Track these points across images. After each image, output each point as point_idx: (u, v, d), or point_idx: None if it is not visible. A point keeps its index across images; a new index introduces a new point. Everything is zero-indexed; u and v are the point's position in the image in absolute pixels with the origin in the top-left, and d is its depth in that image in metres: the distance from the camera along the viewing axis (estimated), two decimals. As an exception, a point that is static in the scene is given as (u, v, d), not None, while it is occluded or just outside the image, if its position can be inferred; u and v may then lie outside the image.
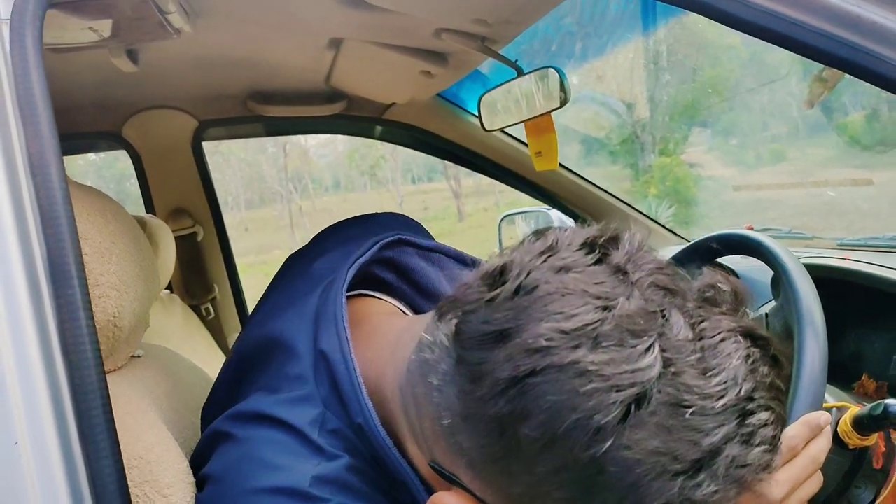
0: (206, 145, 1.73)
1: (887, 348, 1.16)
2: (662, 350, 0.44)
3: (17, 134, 0.55)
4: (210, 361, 1.41)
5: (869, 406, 0.86)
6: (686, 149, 8.58)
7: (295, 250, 0.83)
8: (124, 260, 0.76)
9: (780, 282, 0.95)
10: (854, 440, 0.91)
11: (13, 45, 0.56)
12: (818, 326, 0.87)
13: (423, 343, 0.54)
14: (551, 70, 1.28)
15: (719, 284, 0.50)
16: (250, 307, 1.65)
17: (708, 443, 0.43)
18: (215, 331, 1.73)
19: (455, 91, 1.75)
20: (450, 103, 1.75)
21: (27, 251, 0.53)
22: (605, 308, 0.44)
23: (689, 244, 1.14)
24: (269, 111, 1.62)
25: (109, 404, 0.54)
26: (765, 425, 0.46)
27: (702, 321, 0.46)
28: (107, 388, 0.54)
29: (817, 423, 0.77)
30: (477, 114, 1.55)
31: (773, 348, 0.48)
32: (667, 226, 2.00)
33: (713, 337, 0.45)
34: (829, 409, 0.85)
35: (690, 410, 0.43)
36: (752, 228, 1.44)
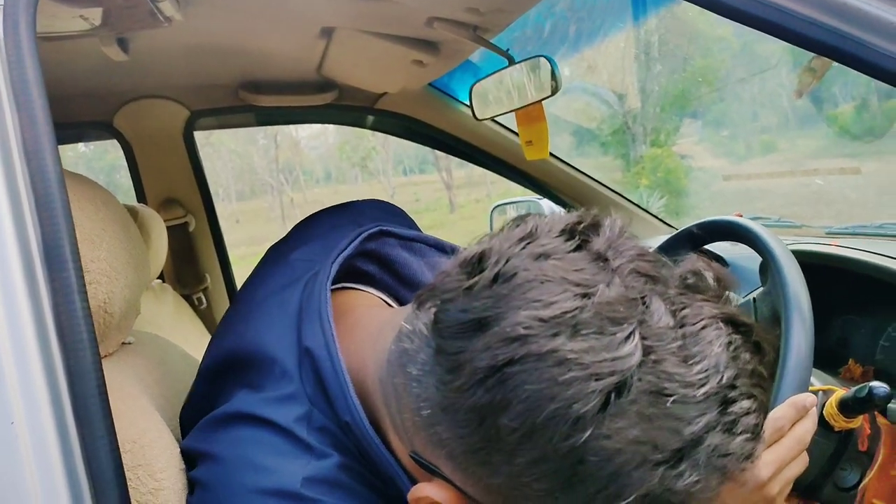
0: (197, 136, 1.73)
1: (873, 334, 1.17)
2: (643, 338, 0.43)
3: (11, 120, 0.55)
4: (201, 350, 1.40)
5: (854, 389, 0.88)
6: (677, 140, 8.59)
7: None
8: (114, 247, 0.76)
9: (767, 266, 0.96)
10: (840, 423, 0.92)
11: (6, 31, 0.56)
12: (805, 310, 0.88)
13: (403, 333, 0.53)
14: (542, 59, 1.28)
15: (702, 271, 0.49)
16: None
17: (689, 432, 0.43)
18: (207, 320, 1.73)
19: (446, 81, 1.75)
20: (441, 93, 1.75)
21: (22, 235, 0.54)
22: (585, 295, 0.44)
23: (677, 231, 1.15)
24: (260, 101, 1.62)
25: (104, 386, 0.55)
26: (747, 413, 0.45)
27: (683, 308, 0.45)
28: (101, 370, 0.55)
29: (803, 404, 0.78)
30: (468, 103, 1.55)
31: (755, 335, 0.47)
32: (658, 216, 2.01)
33: (695, 324, 0.45)
34: (815, 393, 0.86)
35: (671, 399, 0.43)
36: (741, 216, 1.45)
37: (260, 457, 0.59)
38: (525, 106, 1.32)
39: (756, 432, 0.46)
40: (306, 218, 0.84)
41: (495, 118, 1.76)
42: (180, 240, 1.75)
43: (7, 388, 0.51)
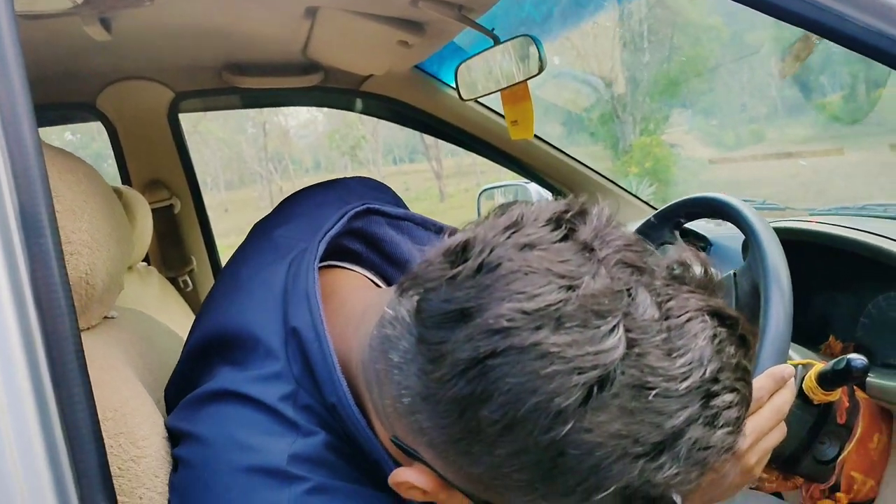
0: (185, 124, 1.72)
1: (853, 310, 1.18)
2: (627, 330, 0.43)
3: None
4: (187, 332, 1.40)
5: (832, 361, 0.89)
6: (667, 129, 8.61)
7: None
8: (96, 219, 0.76)
9: (748, 241, 0.96)
10: (819, 396, 0.93)
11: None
12: (784, 283, 0.89)
13: (385, 318, 0.53)
14: (527, 38, 1.28)
15: (689, 261, 0.49)
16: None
17: (670, 425, 0.43)
18: (193, 303, 1.73)
19: (436, 71, 1.75)
20: (428, 75, 1.75)
21: (-1, 202, 0.53)
22: (570, 287, 0.43)
23: (660, 209, 1.16)
24: (244, 83, 1.61)
25: (82, 352, 0.55)
26: (729, 407, 0.45)
27: (669, 300, 0.45)
28: (79, 335, 0.55)
29: (781, 375, 0.79)
30: (455, 86, 1.55)
31: (741, 328, 0.47)
32: (646, 200, 2.01)
33: (680, 316, 0.44)
34: (794, 367, 0.87)
35: (654, 392, 0.42)
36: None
37: (245, 435, 0.59)
38: (510, 86, 1.32)
39: (737, 425, 0.46)
40: (292, 194, 0.83)
41: (482, 101, 1.77)
42: (165, 222, 1.74)
43: (-18, 352, 0.51)
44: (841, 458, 1.04)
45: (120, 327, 0.85)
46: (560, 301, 0.43)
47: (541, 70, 1.25)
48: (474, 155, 1.94)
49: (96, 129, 1.72)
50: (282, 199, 0.83)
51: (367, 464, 0.60)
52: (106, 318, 0.85)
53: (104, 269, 0.76)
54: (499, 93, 1.39)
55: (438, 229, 0.76)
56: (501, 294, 0.44)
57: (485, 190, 2.18)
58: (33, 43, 1.23)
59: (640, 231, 1.19)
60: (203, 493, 0.60)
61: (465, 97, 1.46)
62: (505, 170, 1.96)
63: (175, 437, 0.67)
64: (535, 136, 1.84)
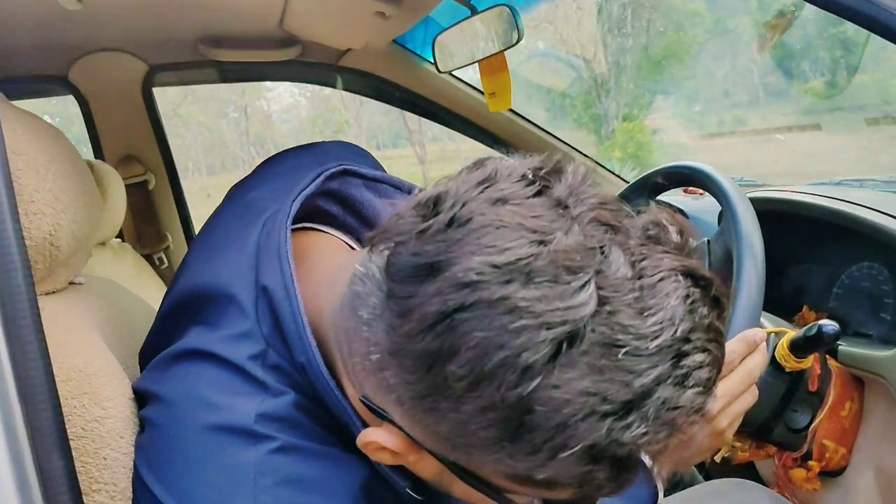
0: (165, 108, 1.70)
1: (827, 281, 1.19)
2: (599, 288, 0.42)
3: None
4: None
5: (804, 328, 0.89)
6: (650, 114, 8.63)
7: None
8: (62, 179, 0.74)
9: (721, 206, 0.97)
10: (791, 363, 0.93)
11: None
12: (756, 248, 0.89)
13: (356, 276, 0.52)
14: (504, 8, 1.27)
15: (665, 222, 0.48)
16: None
17: (639, 384, 0.42)
18: (168, 279, 1.70)
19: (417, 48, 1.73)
20: (407, 51, 1.73)
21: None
22: (541, 242, 0.43)
23: (636, 178, 1.16)
24: (220, 55, 1.58)
25: (37, 308, 0.53)
26: (700, 367, 0.44)
27: (643, 259, 0.45)
28: (34, 292, 0.53)
29: (753, 338, 0.79)
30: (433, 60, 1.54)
31: (715, 290, 0.46)
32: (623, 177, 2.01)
33: (653, 276, 0.44)
34: (766, 335, 0.87)
35: (623, 350, 0.42)
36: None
37: (211, 394, 0.58)
38: (488, 57, 1.31)
39: (708, 386, 0.45)
40: (268, 158, 0.82)
41: (462, 77, 1.76)
42: (140, 198, 1.72)
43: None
44: (813, 426, 1.05)
45: (87, 292, 0.83)
46: (531, 255, 0.42)
47: (518, 39, 1.24)
48: (458, 140, 1.93)
49: (77, 113, 1.69)
50: (259, 163, 0.82)
51: (337, 425, 0.59)
52: (73, 283, 0.84)
53: (69, 231, 0.75)
54: (476, 64, 1.38)
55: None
56: (472, 248, 0.43)
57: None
58: (1, 13, 1.21)
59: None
60: (168, 453, 0.59)
61: (442, 69, 1.45)
62: (489, 153, 1.95)
63: (143, 399, 0.66)
64: (516, 112, 1.84)
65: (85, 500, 0.56)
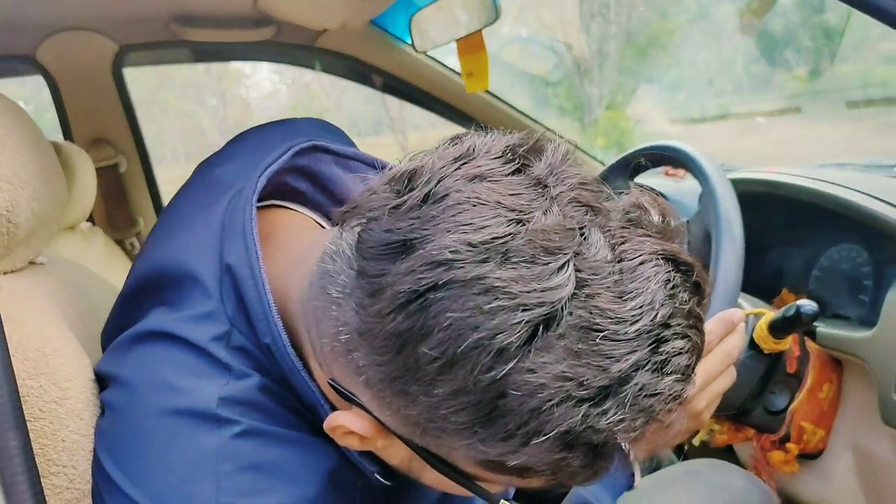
0: (142, 94, 1.66)
1: (806, 264, 1.19)
2: (577, 270, 0.41)
3: None
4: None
5: (783, 309, 0.88)
6: (633, 103, 8.64)
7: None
8: (20, 155, 0.72)
9: (701, 186, 0.96)
10: (769, 344, 0.93)
11: None
12: (735, 229, 0.89)
13: (326, 253, 0.51)
14: (482, -14, 1.25)
15: (647, 205, 0.47)
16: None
17: (617, 369, 0.41)
18: (142, 265, 1.68)
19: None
20: (384, 32, 1.70)
21: None
22: (519, 221, 0.41)
23: (617, 158, 1.15)
24: (193, 35, 1.54)
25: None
26: (679, 354, 0.43)
27: (623, 242, 0.43)
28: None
29: (731, 319, 0.78)
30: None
31: (696, 275, 0.45)
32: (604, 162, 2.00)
33: (633, 259, 0.43)
34: (745, 316, 0.87)
35: (601, 335, 0.41)
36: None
37: (172, 377, 0.56)
38: (465, 36, 1.29)
39: (687, 374, 0.44)
40: (238, 135, 0.79)
41: (441, 60, 1.73)
42: (111, 182, 1.67)
43: None
44: (791, 408, 1.05)
45: (49, 273, 0.81)
46: (508, 235, 0.41)
47: (496, 18, 1.22)
48: (440, 127, 1.91)
49: (49, 100, 1.65)
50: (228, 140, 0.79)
51: (304, 409, 0.58)
52: (34, 263, 0.81)
53: (28, 208, 0.72)
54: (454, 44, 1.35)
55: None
56: (447, 225, 0.42)
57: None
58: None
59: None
60: (127, 438, 0.57)
61: (419, 49, 1.43)
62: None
63: (103, 382, 0.64)
64: (497, 96, 1.82)
65: (42, 483, 0.54)
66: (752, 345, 0.95)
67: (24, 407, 0.52)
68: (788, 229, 1.22)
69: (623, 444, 0.80)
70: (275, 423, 0.56)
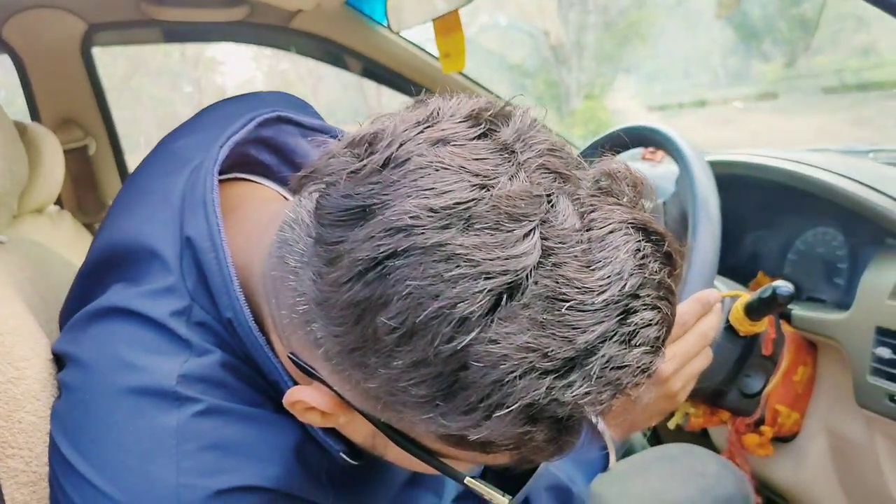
0: (115, 81, 1.62)
1: (782, 247, 1.19)
2: (544, 238, 0.39)
3: None
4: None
5: (759, 290, 0.88)
6: (610, 93, 8.66)
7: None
8: (-27, 130, 0.69)
9: (678, 167, 0.95)
10: (745, 326, 0.93)
11: None
12: (712, 208, 0.88)
13: (285, 221, 0.49)
14: (458, -36, 1.22)
15: (617, 174, 0.45)
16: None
17: (583, 340, 0.39)
18: (112, 249, 1.64)
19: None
20: (360, 13, 1.68)
21: None
22: (483, 187, 0.40)
23: (594, 139, 1.14)
24: (163, 14, 1.51)
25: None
26: (648, 325, 0.41)
27: (592, 210, 0.41)
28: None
29: (707, 300, 0.78)
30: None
31: (667, 245, 0.43)
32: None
33: (602, 228, 0.41)
34: (722, 299, 0.86)
35: (567, 305, 0.39)
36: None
37: (130, 354, 0.54)
38: (442, 16, 1.27)
39: (656, 346, 0.42)
40: (202, 109, 0.76)
41: (417, 43, 1.71)
42: (80, 164, 1.64)
43: None
44: (766, 391, 1.05)
45: (8, 251, 0.78)
46: (471, 200, 0.39)
47: (471, -1, 1.20)
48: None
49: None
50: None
51: (267, 386, 0.56)
52: (-9, 242, 0.78)
53: (-17, 185, 0.69)
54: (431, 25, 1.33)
55: None
56: (407, 190, 0.40)
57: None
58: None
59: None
60: (84, 418, 0.54)
61: (394, 29, 1.40)
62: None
63: (61, 362, 0.61)
64: (474, 80, 1.80)
65: (-3, 466, 0.52)
66: (728, 327, 0.94)
67: (-23, 388, 0.50)
68: (765, 213, 1.22)
69: (600, 422, 0.80)
70: (237, 400, 0.54)
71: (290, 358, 0.50)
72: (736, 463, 1.09)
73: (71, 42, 1.56)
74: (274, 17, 1.63)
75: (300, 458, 0.56)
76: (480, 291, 0.38)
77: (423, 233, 0.39)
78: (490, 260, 0.38)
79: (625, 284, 0.40)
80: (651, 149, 1.51)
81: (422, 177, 0.40)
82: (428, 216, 0.39)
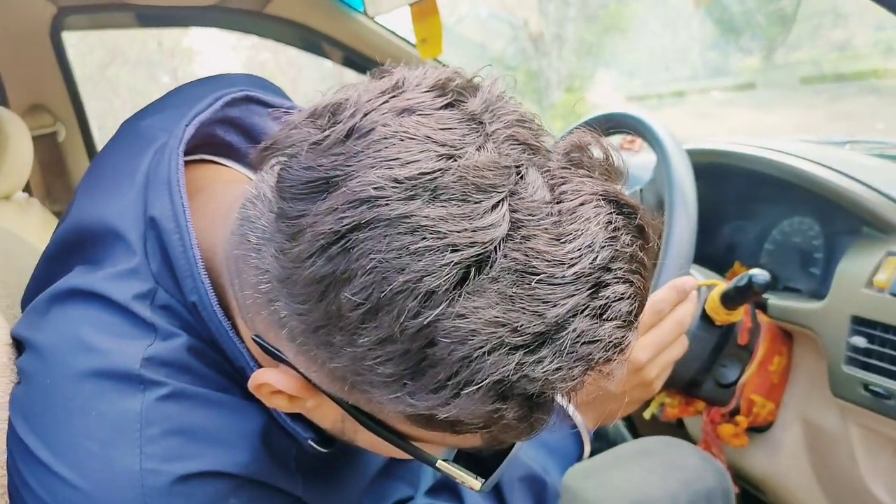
0: (90, 70, 1.59)
1: (759, 237, 1.19)
2: (513, 210, 0.38)
3: None
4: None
5: (735, 279, 0.88)
6: (591, 87, 8.68)
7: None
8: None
9: (655, 153, 0.94)
10: (721, 315, 0.92)
11: None
12: (688, 197, 0.87)
13: (247, 198, 0.47)
14: (435, -51, 1.21)
15: (589, 146, 0.44)
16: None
17: (554, 315, 0.38)
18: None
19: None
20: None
21: None
22: (450, 157, 0.38)
23: (572, 125, 1.12)
24: (135, -2, 1.48)
25: None
26: (620, 299, 0.40)
27: (563, 183, 0.41)
28: None
29: (683, 287, 0.77)
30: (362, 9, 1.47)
31: (639, 218, 0.42)
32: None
33: (573, 200, 0.40)
34: (698, 288, 0.85)
35: (537, 278, 0.38)
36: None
37: (91, 336, 0.52)
38: (418, 1, 1.25)
39: (629, 320, 0.41)
40: (169, 91, 0.75)
41: (393, 30, 1.69)
42: (49, 151, 1.61)
43: None
44: (741, 380, 1.04)
45: (-33, 237, 0.76)
46: (437, 170, 0.38)
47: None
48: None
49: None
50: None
51: (234, 370, 0.54)
52: (-49, 227, 0.76)
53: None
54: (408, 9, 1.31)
55: None
56: (371, 161, 0.38)
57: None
58: None
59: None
60: (44, 403, 0.53)
61: (371, 14, 1.39)
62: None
63: (21, 347, 0.59)
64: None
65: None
66: (704, 316, 0.94)
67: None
68: (742, 203, 1.22)
69: (575, 413, 0.79)
70: (203, 384, 0.53)
71: (254, 340, 0.49)
72: (711, 453, 1.09)
73: (40, 26, 1.52)
74: (248, 1, 1.61)
75: (267, 444, 0.54)
76: (447, 264, 0.37)
77: (387, 204, 0.38)
78: (457, 232, 0.37)
79: (596, 257, 0.39)
80: (629, 138, 1.50)
81: (386, 147, 0.39)
82: (392, 187, 0.38)
